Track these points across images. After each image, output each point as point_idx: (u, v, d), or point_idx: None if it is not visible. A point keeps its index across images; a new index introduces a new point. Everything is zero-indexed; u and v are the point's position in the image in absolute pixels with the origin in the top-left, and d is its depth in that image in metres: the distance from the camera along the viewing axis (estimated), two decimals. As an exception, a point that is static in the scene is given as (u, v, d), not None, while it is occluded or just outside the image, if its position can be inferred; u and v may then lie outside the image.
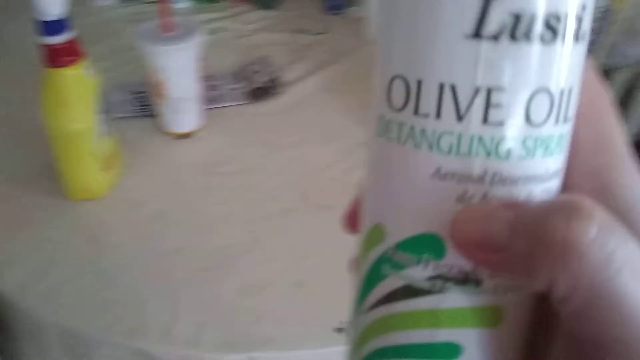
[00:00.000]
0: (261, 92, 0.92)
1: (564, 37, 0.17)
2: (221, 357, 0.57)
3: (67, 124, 0.67)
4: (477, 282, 0.18)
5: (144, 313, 0.60)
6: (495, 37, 0.17)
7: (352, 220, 0.22)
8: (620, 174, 0.19)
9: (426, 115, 0.18)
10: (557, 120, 0.18)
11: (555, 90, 0.18)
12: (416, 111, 0.18)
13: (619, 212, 0.17)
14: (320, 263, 0.65)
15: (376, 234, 0.20)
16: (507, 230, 0.17)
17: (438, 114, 0.18)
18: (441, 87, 0.17)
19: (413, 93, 0.18)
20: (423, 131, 0.18)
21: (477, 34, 0.17)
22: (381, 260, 0.20)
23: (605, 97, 0.20)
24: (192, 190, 0.76)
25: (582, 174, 0.19)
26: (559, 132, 0.18)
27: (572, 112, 0.19)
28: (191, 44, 0.75)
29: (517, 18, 0.17)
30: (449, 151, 0.18)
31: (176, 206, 0.73)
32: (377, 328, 0.20)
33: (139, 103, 0.89)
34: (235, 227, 0.70)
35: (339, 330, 0.58)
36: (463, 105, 0.17)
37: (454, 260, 0.18)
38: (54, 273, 0.64)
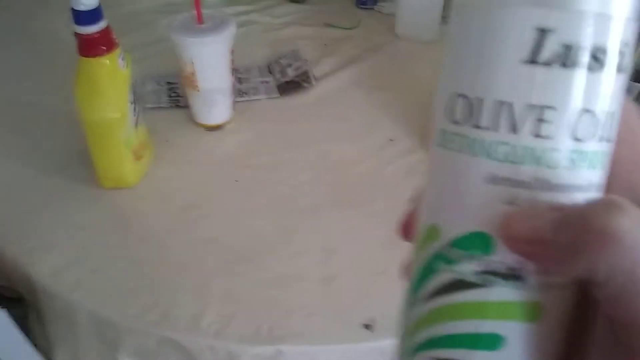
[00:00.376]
0: (291, 86, 0.92)
1: (608, 68, 0.20)
2: (249, 349, 0.57)
3: (99, 113, 0.68)
4: (521, 279, 0.20)
5: (174, 302, 0.61)
6: (548, 64, 0.19)
7: (406, 229, 0.24)
8: None
9: (485, 128, 0.20)
10: (600, 139, 0.20)
11: (599, 113, 0.20)
12: (476, 124, 0.20)
13: None
14: (350, 259, 0.65)
15: (432, 233, 0.22)
16: (553, 226, 0.19)
17: (495, 127, 0.20)
18: (500, 105, 0.20)
19: (475, 109, 0.21)
20: (482, 141, 0.20)
21: (532, 60, 0.19)
22: (435, 257, 0.22)
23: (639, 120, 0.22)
24: (222, 182, 0.76)
25: (622, 188, 0.21)
26: (601, 149, 0.20)
27: (613, 133, 0.21)
28: (223, 36, 0.75)
29: (567, 48, 0.19)
30: (504, 159, 0.20)
31: (206, 198, 0.73)
32: (429, 319, 0.22)
33: (170, 94, 0.89)
34: (264, 220, 0.70)
35: (367, 326, 0.58)
36: (518, 120, 0.20)
37: (502, 257, 0.20)
38: (86, 260, 0.65)
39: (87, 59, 0.65)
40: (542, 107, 0.19)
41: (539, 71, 0.19)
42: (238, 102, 0.86)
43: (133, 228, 0.69)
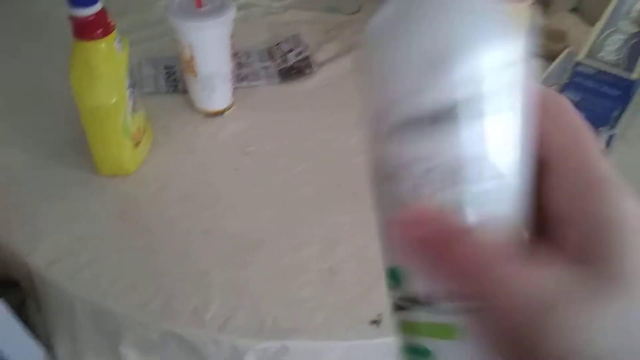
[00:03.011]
0: (293, 72, 0.89)
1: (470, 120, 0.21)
2: (254, 344, 0.56)
3: (96, 99, 0.65)
4: (431, 304, 0.23)
5: (174, 294, 0.59)
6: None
7: None
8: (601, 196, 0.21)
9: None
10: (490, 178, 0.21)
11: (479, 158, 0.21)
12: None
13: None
14: (353, 252, 0.64)
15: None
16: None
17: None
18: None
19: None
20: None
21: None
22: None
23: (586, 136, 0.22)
24: (221, 170, 0.74)
25: (566, 177, 0.21)
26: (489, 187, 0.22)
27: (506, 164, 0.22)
28: (223, 20, 0.72)
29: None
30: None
31: (206, 186, 0.72)
32: (397, 330, 0.26)
33: (168, 78, 0.87)
34: (265, 210, 0.69)
35: (374, 322, 0.57)
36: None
37: (411, 287, 0.23)
38: (83, 250, 0.63)
39: (82, 42, 0.63)
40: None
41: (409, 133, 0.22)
42: (238, 87, 0.84)
43: (131, 217, 0.68)
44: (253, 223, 0.67)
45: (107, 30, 0.63)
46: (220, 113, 0.82)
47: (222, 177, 0.73)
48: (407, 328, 0.24)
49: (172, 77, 0.87)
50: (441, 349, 0.23)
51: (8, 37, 0.97)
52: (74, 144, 0.73)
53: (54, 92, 0.80)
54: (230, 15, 0.73)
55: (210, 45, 0.74)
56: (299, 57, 0.92)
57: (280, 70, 0.90)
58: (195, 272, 0.62)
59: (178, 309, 0.58)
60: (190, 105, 0.82)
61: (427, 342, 0.23)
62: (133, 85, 0.69)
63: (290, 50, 0.93)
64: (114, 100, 0.65)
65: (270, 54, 0.94)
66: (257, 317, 0.58)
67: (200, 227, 0.66)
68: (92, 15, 0.61)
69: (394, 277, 0.24)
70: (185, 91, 0.84)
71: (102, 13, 0.62)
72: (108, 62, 0.64)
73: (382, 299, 0.60)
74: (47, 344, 0.66)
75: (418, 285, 0.23)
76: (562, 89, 0.73)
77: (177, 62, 0.86)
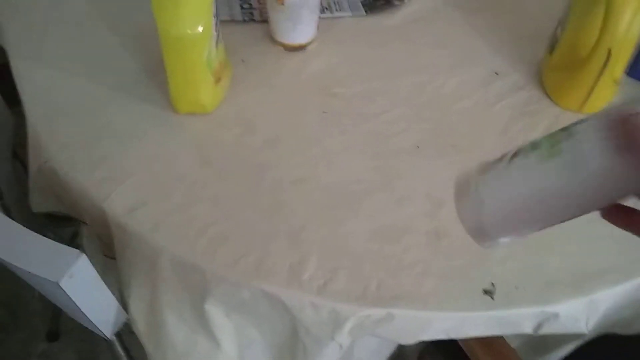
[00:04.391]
0: (380, 3, 0.80)
1: None
2: (357, 310, 0.51)
3: (180, 28, 0.58)
4: None
5: (267, 251, 0.54)
6: None
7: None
8: None
9: None
10: None
11: None
12: None
13: None
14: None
15: None
16: None
17: None
18: None
19: None
20: None
21: None
22: None
23: None
24: (307, 113, 0.67)
25: None
26: None
27: None
28: (320, -60, 0.63)
29: None
30: None
31: (292, 129, 0.65)
32: None
33: (244, 6, 0.79)
34: (358, 160, 0.62)
35: (487, 292, 0.52)
36: None
37: None
38: (164, 196, 0.58)
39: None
40: None
41: None
42: (320, 19, 0.75)
43: (213, 161, 0.62)
44: (348, 174, 0.61)
45: (194, -52, 0.55)
46: (302, 47, 0.74)
47: (310, 120, 0.66)
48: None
49: (246, 4, 0.79)
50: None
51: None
52: (146, 78, 0.67)
53: (130, 20, 0.74)
54: None
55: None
56: (387, -13, 0.82)
57: (365, 1, 0.81)
58: (288, 227, 0.56)
59: (272, 267, 0.53)
60: (269, 36, 0.75)
61: None
62: (217, 14, 0.61)
63: (376, -21, 0.84)
64: (199, 30, 0.58)
65: (352, -19, 0.84)
66: (359, 281, 0.52)
67: (291, 176, 0.60)
68: None
69: None
70: (262, 21, 0.76)
71: None
72: (194, -14, 0.57)
73: (494, 267, 0.55)
74: (122, 295, 0.62)
75: None
76: None
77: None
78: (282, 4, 0.68)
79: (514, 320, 0.52)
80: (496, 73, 0.73)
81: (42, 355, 1.23)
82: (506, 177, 0.32)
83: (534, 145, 0.31)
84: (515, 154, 0.31)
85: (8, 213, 0.72)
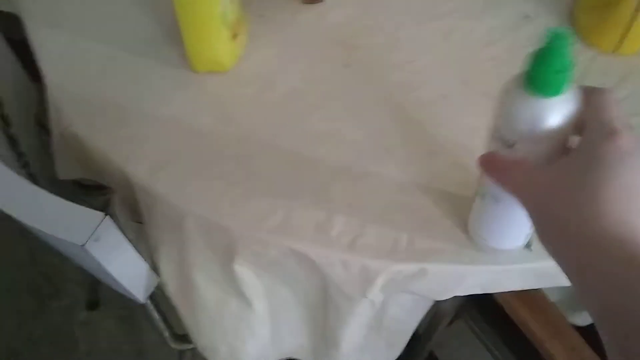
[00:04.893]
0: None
1: None
2: (388, 265, 0.50)
3: (194, -19, 0.56)
4: None
5: (293, 208, 0.53)
6: None
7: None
8: None
9: None
10: None
11: None
12: None
13: None
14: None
15: None
16: None
17: None
18: None
19: None
20: None
21: None
22: None
23: None
24: (329, 65, 0.65)
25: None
26: None
27: None
28: None
29: None
30: None
31: (313, 84, 0.63)
32: None
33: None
34: (384, 113, 0.60)
35: (526, 244, 0.50)
36: None
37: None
38: (186, 157, 0.57)
39: None
40: None
41: None
42: (339, -32, 0.72)
43: (234, 119, 0.60)
44: (373, 127, 0.59)
45: None
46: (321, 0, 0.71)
47: (331, 74, 0.64)
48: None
49: (261, -43, 0.76)
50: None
51: None
52: (162, 37, 0.65)
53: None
54: None
55: None
56: None
57: (385, -54, 0.77)
58: (314, 184, 0.55)
59: (299, 224, 0.52)
60: (287, -10, 0.72)
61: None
62: (230, -35, 0.59)
63: None
64: (213, -16, 0.56)
65: None
66: (389, 236, 0.51)
67: (312, 131, 0.59)
68: None
69: None
70: (279, -27, 0.73)
71: None
72: None
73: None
74: (151, 259, 0.62)
75: None
76: None
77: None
78: (299, -48, 0.65)
79: (552, 272, 0.50)
80: (527, 16, 0.69)
81: (83, 323, 1.26)
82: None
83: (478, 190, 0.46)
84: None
85: (36, 183, 0.72)
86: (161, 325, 0.72)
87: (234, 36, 0.62)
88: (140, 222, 0.62)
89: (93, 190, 0.85)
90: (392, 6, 0.71)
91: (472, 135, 0.56)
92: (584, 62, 0.64)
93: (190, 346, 0.72)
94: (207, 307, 0.60)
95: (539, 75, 0.36)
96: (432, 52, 0.66)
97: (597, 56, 0.65)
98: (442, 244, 0.50)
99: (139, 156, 0.57)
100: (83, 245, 0.46)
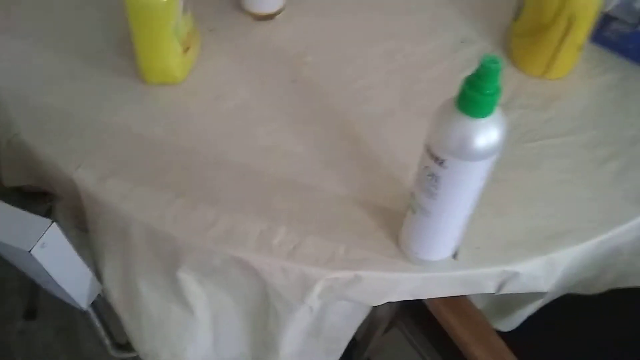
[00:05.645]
0: (348, -29, 0.80)
1: None
2: (325, 273, 0.52)
3: (146, -4, 0.58)
4: None
5: (237, 217, 0.55)
6: None
7: None
8: None
9: None
10: None
11: None
12: None
13: None
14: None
15: None
16: None
17: None
18: None
19: None
20: None
21: None
22: None
23: None
24: (277, 81, 0.68)
25: None
26: None
27: None
28: None
29: None
30: None
31: (260, 98, 0.66)
32: None
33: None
34: (327, 128, 0.63)
35: (454, 256, 0.53)
36: None
37: None
38: (134, 165, 0.58)
39: None
40: None
41: None
42: (289, -12, 0.75)
43: (183, 130, 0.62)
44: (316, 142, 0.62)
45: None
46: (271, 16, 0.74)
47: (278, 88, 0.67)
48: None
49: (215, -27, 0.78)
50: None
51: None
52: (114, 48, 0.67)
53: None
54: None
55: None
56: (356, -45, 0.82)
57: (334, -31, 0.81)
58: (258, 195, 0.57)
59: (243, 234, 0.54)
60: (238, 6, 0.74)
61: None
62: (182, -19, 0.61)
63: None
64: (165, -2, 0.58)
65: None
66: (328, 245, 0.54)
67: (259, 143, 0.61)
68: None
69: None
70: (231, -10, 0.75)
71: None
72: (159, -48, 0.56)
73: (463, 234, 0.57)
74: (95, 266, 0.63)
75: None
76: None
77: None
78: (250, -28, 0.68)
79: (477, 280, 0.54)
80: (464, 41, 0.74)
81: (21, 333, 1.23)
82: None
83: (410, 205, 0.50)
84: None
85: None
86: (102, 333, 0.73)
87: (186, 49, 0.65)
88: (84, 230, 0.63)
89: (36, 197, 0.84)
90: (339, 26, 0.75)
91: (408, 152, 0.59)
92: (514, 84, 0.69)
93: (131, 355, 0.73)
94: (150, 315, 0.61)
95: (471, 98, 0.39)
96: (376, 72, 0.69)
97: (526, 80, 0.70)
98: (376, 254, 0.53)
99: (87, 164, 0.58)
100: (29, 251, 0.47)
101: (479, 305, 0.63)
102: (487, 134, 0.40)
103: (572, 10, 0.62)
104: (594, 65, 0.72)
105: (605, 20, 0.71)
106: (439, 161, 0.42)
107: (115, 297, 0.62)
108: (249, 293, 0.58)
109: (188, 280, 0.57)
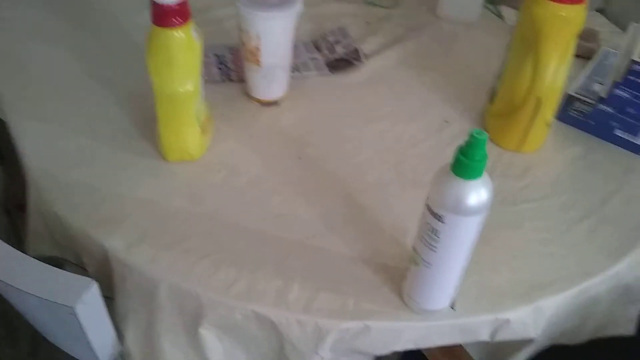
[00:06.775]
0: (342, 64, 0.91)
1: None
2: (337, 324, 0.58)
3: (174, 85, 0.66)
4: None
5: (256, 277, 0.61)
6: None
7: None
8: None
9: None
10: None
11: None
12: None
13: None
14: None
15: None
16: None
17: None
18: None
19: None
20: None
21: None
22: None
23: None
24: (285, 157, 0.76)
25: None
26: None
27: None
28: (292, 11, 0.74)
29: None
30: None
31: (271, 172, 0.74)
32: None
33: (221, 67, 0.88)
34: (333, 197, 0.71)
35: (450, 305, 0.60)
36: None
37: None
38: (160, 233, 0.65)
39: (163, 29, 0.63)
40: None
41: None
42: (291, 77, 0.85)
43: (203, 201, 0.69)
44: (323, 209, 0.69)
45: (186, 18, 0.64)
46: (276, 102, 0.83)
47: (287, 164, 0.75)
48: None
49: (222, 65, 0.89)
50: None
51: (59, 24, 0.97)
52: (137, 132, 0.75)
53: (119, 82, 0.82)
54: (298, 6, 0.74)
55: (277, 36, 0.75)
56: (348, 49, 0.94)
57: (328, 62, 0.92)
58: (274, 256, 0.63)
59: (261, 290, 0.60)
60: (244, 94, 0.84)
61: None
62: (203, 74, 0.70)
63: (338, 42, 0.95)
64: (191, 88, 0.67)
65: (316, 45, 0.95)
66: (338, 299, 0.60)
67: (273, 211, 0.68)
68: (177, 3, 0.62)
69: None
70: (239, 80, 0.85)
71: (184, 2, 0.63)
72: (187, 50, 0.65)
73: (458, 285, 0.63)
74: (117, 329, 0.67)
75: None
76: (615, 86, 0.76)
77: (226, 51, 0.88)
78: (259, 65, 0.78)
79: (473, 327, 0.60)
80: (447, 121, 0.84)
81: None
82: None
83: (412, 259, 0.56)
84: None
85: None
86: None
87: (203, 131, 0.73)
88: (109, 297, 0.68)
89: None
90: (336, 110, 0.84)
91: (405, 216, 0.67)
92: (493, 157, 0.78)
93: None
94: (170, 373, 0.65)
95: (464, 164, 0.47)
96: (371, 148, 0.78)
97: (503, 153, 0.79)
98: (382, 306, 0.59)
99: (116, 233, 0.64)
100: (73, 307, 0.52)
101: (475, 356, 0.68)
102: (478, 192, 0.48)
103: (540, 93, 0.72)
104: (561, 140, 0.82)
105: (569, 100, 0.82)
106: (439, 217, 0.50)
107: (137, 357, 0.66)
108: (264, 347, 0.62)
109: (208, 336, 0.62)
